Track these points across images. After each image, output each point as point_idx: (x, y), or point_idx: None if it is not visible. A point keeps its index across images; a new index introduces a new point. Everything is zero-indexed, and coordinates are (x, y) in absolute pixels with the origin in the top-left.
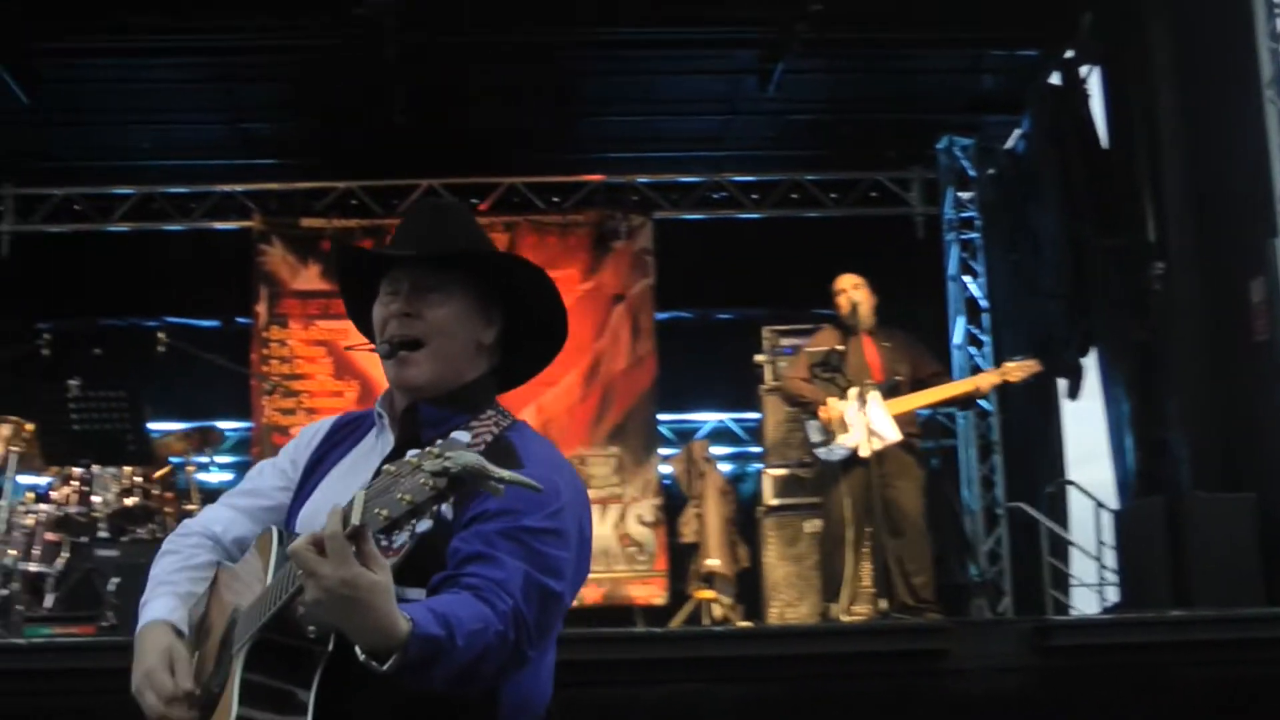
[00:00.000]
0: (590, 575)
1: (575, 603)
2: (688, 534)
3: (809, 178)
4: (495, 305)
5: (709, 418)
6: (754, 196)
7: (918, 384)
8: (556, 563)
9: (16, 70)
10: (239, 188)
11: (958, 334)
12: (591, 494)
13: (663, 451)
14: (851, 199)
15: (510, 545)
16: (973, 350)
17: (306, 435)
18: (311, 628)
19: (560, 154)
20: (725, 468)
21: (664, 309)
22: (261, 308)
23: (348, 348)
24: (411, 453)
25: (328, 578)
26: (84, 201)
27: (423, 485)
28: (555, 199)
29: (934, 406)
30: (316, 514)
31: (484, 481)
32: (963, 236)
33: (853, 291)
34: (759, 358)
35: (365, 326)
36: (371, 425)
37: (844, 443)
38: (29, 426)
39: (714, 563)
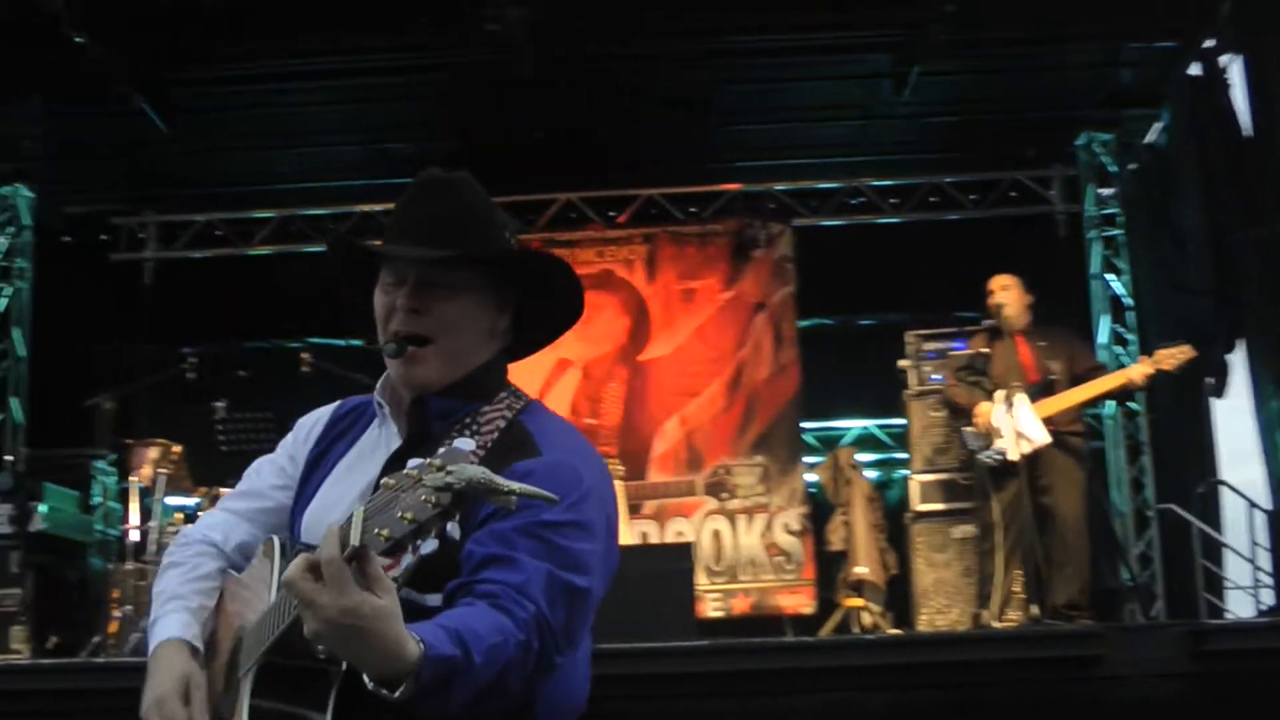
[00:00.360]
0: (738, 585)
1: (722, 613)
2: (835, 542)
3: (948, 180)
4: (508, 288)
5: (853, 424)
6: (893, 201)
7: (1075, 380)
8: (581, 557)
9: (155, 100)
10: (378, 207)
11: (1103, 333)
12: (737, 504)
13: (808, 460)
14: (991, 199)
15: (530, 543)
16: (1118, 349)
17: (304, 428)
18: (321, 648)
19: (697, 164)
20: (871, 474)
21: (805, 316)
22: None
23: (364, 348)
24: (412, 463)
25: (327, 607)
26: (225, 226)
27: (424, 502)
28: (693, 209)
29: (1090, 402)
30: (321, 517)
31: (491, 496)
32: (1105, 234)
33: (1000, 293)
34: (902, 363)
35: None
36: (373, 415)
37: (1001, 446)
38: (176, 449)
39: (862, 570)
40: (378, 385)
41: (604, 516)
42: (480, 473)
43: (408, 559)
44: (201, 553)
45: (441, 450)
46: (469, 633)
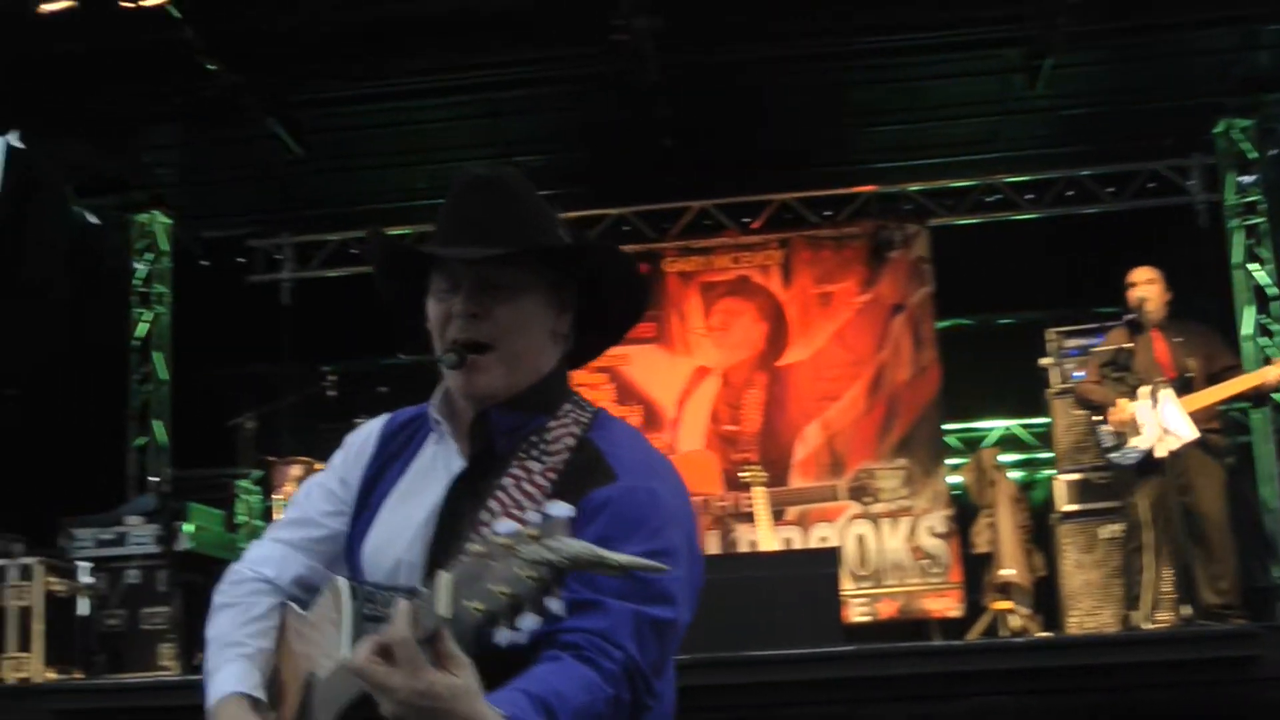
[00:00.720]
0: (883, 589)
1: (868, 617)
2: (981, 544)
3: (1084, 173)
4: (569, 287)
5: (996, 424)
6: (1029, 196)
7: (1211, 379)
8: (667, 588)
9: (286, 122)
10: None
11: (1247, 324)
12: (881, 507)
13: (951, 461)
14: (1129, 192)
15: (614, 582)
16: (1263, 340)
17: (354, 445)
18: None
19: (830, 167)
20: (1015, 475)
21: (944, 317)
22: None
23: (403, 355)
24: (503, 529)
25: (400, 689)
26: (360, 245)
27: (521, 578)
28: (828, 212)
29: (1225, 403)
30: (382, 548)
31: (597, 569)
32: (1247, 222)
33: (1144, 286)
34: (1044, 361)
35: (405, 319)
36: (427, 430)
37: (1137, 445)
38: (319, 466)
39: (1009, 572)
40: (433, 401)
41: (685, 538)
42: (585, 549)
43: (507, 636)
44: (255, 591)
45: (537, 518)
46: (554, 696)
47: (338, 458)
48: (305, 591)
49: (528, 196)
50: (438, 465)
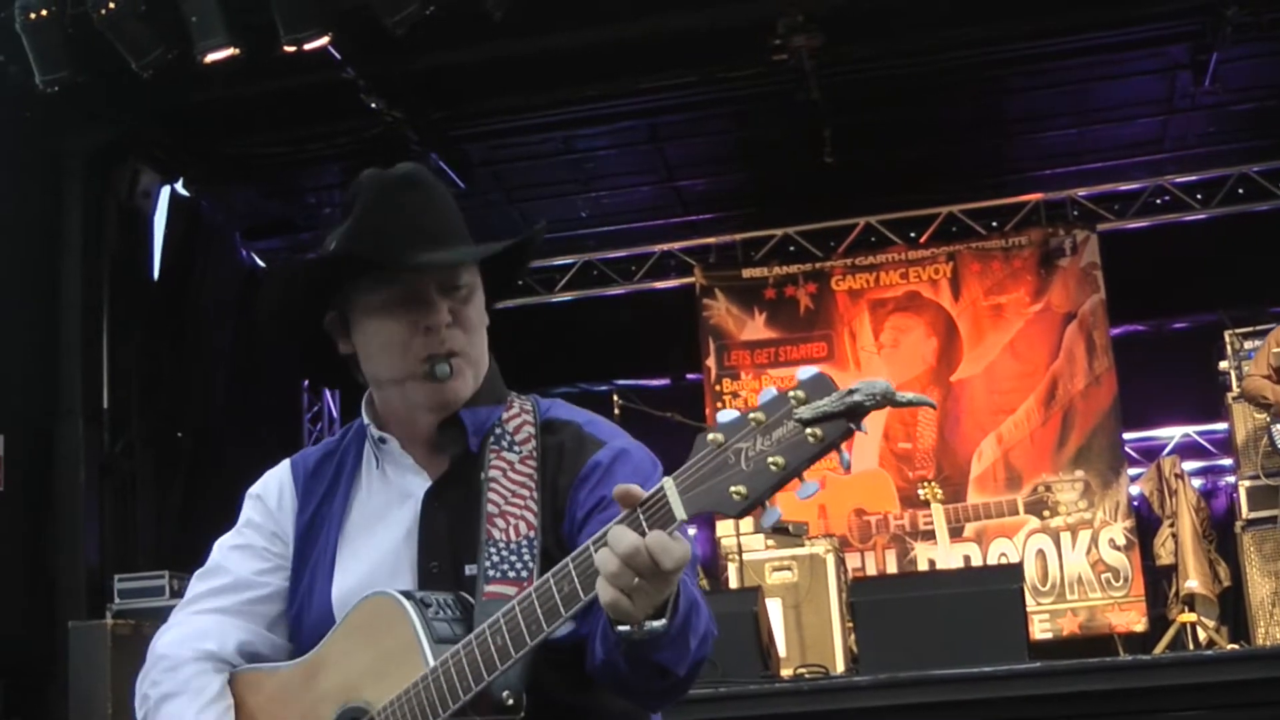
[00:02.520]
0: (1065, 604)
1: (1051, 634)
2: (1163, 555)
3: (1255, 169)
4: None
5: (1175, 431)
6: (1198, 197)
7: None
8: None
9: (449, 157)
10: (677, 246)
11: None
12: (1060, 521)
13: (1130, 471)
14: None
15: None
16: None
17: (269, 499)
18: (506, 692)
19: (995, 176)
20: (1197, 483)
21: (1117, 323)
22: (711, 361)
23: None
24: (728, 417)
25: (680, 553)
26: (527, 275)
27: (803, 441)
28: (995, 223)
29: None
30: (363, 584)
31: (893, 403)
32: None
33: None
34: (1223, 364)
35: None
36: (346, 462)
37: None
38: None
39: (1193, 584)
40: (365, 422)
41: None
42: (884, 385)
43: (772, 511)
44: (200, 672)
45: (799, 379)
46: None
47: (253, 515)
48: (249, 660)
49: (445, 191)
50: (390, 487)
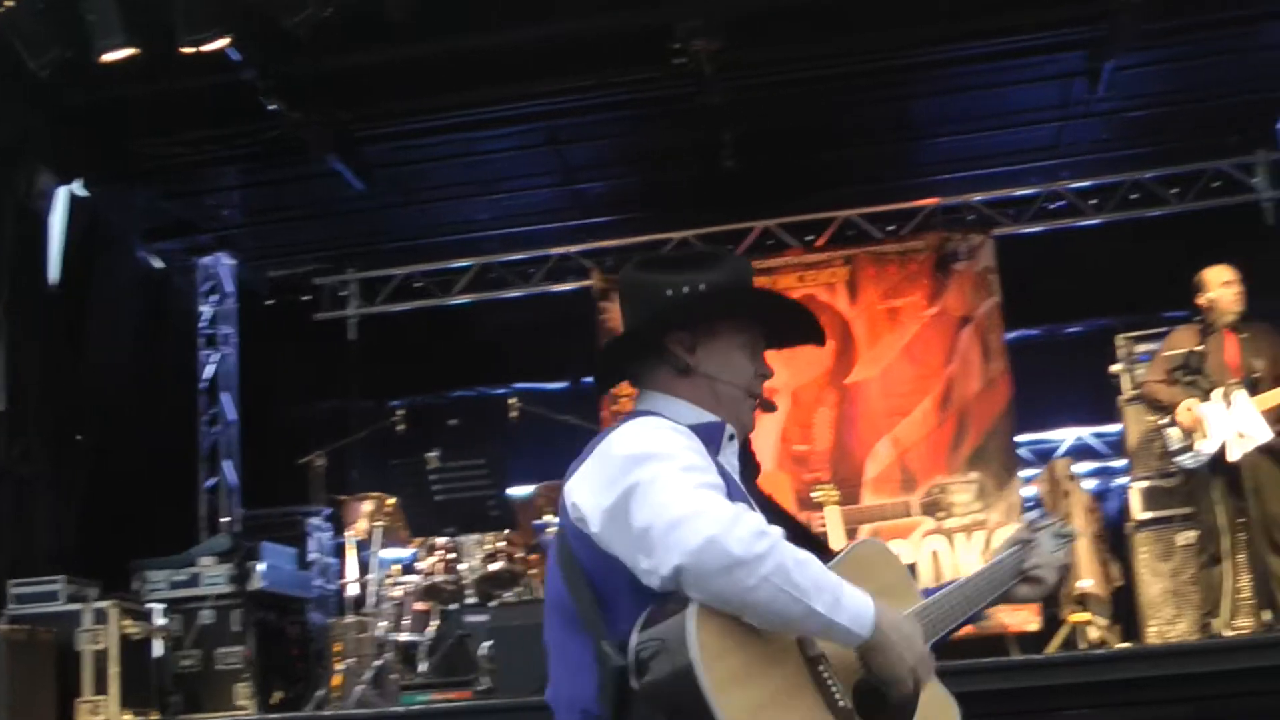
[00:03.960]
0: None
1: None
2: None
3: (1148, 175)
4: None
5: (1068, 434)
6: (1092, 202)
7: (1278, 380)
8: None
9: (349, 160)
10: (575, 248)
11: None
12: (954, 522)
13: (1024, 473)
14: (1194, 192)
15: None
16: None
17: (695, 446)
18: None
19: (892, 181)
20: (1089, 484)
21: (1012, 327)
22: None
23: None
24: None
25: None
26: (424, 278)
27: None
28: (891, 227)
29: None
30: None
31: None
32: None
33: (1220, 288)
34: (1115, 368)
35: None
36: (712, 442)
37: (1203, 448)
38: (390, 501)
39: (1086, 583)
40: (728, 424)
41: None
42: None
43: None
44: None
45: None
46: None
47: (695, 453)
48: None
49: None
50: (735, 466)
